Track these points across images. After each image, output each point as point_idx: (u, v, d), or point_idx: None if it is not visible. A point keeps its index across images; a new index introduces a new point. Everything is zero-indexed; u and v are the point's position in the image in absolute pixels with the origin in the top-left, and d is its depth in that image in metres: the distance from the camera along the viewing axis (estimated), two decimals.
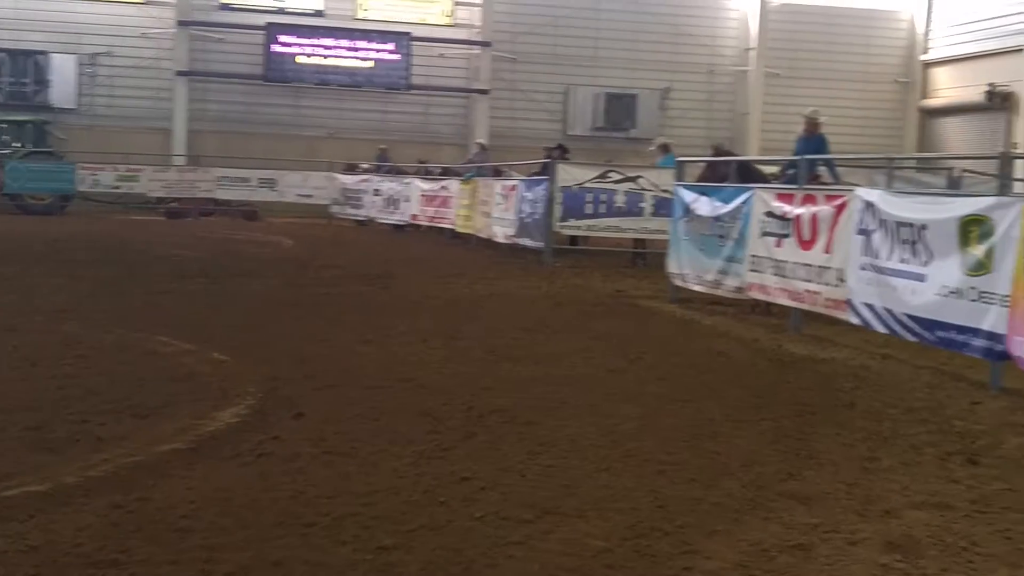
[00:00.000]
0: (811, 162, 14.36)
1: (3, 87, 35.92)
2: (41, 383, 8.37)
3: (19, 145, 33.75)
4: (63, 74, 35.99)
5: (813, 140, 16.80)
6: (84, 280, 15.33)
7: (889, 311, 10.50)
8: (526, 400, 8.35)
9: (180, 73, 36.39)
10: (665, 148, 23.17)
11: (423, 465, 6.44)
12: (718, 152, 19.17)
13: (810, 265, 12.00)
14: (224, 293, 14.74)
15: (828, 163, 16.18)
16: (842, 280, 11.37)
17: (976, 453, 7.12)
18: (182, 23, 36.37)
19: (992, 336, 9.04)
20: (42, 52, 35.84)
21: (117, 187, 34.21)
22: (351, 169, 34.00)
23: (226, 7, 36.81)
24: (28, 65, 35.87)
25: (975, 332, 9.24)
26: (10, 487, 5.73)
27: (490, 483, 6.08)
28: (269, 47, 36.63)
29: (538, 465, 6.52)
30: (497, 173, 25.25)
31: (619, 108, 37.89)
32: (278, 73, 36.78)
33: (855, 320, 11.19)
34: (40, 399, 7.76)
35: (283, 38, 36.71)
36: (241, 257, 20.77)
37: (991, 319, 9.05)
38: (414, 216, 28.98)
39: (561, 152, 24.37)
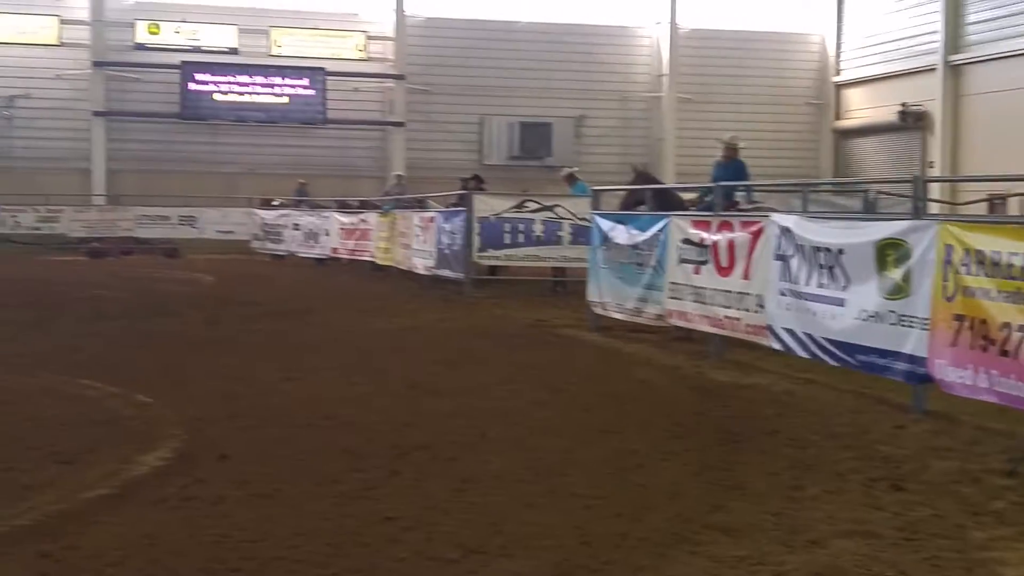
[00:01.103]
0: (729, 188, 14.39)
1: None
2: None
3: None
4: None
5: (731, 166, 16.81)
6: (5, 323, 15.02)
7: (810, 336, 10.52)
8: (449, 435, 8.31)
9: (97, 113, 36.14)
10: (572, 178, 23.21)
11: (347, 505, 6.37)
12: (637, 173, 19.16)
13: (729, 291, 12.01)
14: (146, 333, 14.58)
15: (745, 189, 16.18)
16: (761, 306, 11.40)
17: (901, 478, 7.09)
18: (97, 64, 36.13)
19: (913, 359, 9.05)
20: None
21: (38, 228, 34.34)
22: (266, 204, 33.89)
23: (141, 47, 36.50)
24: None
25: (896, 355, 9.25)
26: None
27: (414, 522, 6.02)
28: (185, 85, 36.42)
29: (463, 502, 6.47)
30: (420, 204, 25.18)
31: (534, 137, 37.93)
32: (194, 111, 36.58)
33: (776, 346, 11.19)
34: None
35: (199, 76, 36.56)
36: (162, 296, 20.50)
37: (912, 342, 9.07)
38: (334, 249, 28.81)
39: (477, 182, 24.36)
